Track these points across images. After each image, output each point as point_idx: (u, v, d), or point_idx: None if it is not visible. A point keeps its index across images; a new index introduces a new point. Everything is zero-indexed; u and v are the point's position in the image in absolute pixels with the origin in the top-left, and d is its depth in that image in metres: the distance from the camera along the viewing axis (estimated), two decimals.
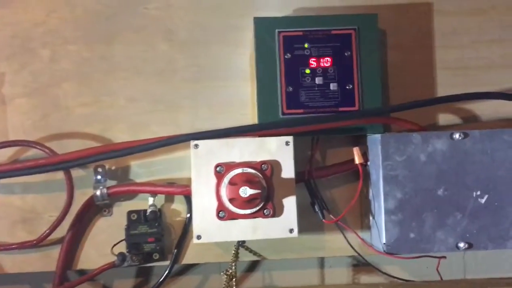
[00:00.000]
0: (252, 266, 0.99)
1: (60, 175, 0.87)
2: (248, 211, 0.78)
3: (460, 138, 0.80)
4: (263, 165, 0.79)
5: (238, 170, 0.78)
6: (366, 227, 0.89)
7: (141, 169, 0.90)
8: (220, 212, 0.78)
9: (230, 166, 0.79)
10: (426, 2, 0.94)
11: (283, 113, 0.86)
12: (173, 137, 0.82)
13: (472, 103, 0.93)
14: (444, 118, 0.93)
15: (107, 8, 0.91)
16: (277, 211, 0.79)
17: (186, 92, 0.91)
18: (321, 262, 1.00)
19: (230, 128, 0.83)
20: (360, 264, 1.00)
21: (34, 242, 0.85)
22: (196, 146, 0.80)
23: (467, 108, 0.94)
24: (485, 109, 0.93)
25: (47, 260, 0.88)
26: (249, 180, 0.76)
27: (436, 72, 0.94)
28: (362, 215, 0.91)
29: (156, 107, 0.91)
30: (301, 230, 0.80)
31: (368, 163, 0.86)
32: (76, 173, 0.88)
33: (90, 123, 0.90)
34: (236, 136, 0.82)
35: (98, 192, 0.85)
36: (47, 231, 0.85)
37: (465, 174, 0.80)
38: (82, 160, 0.83)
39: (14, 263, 0.88)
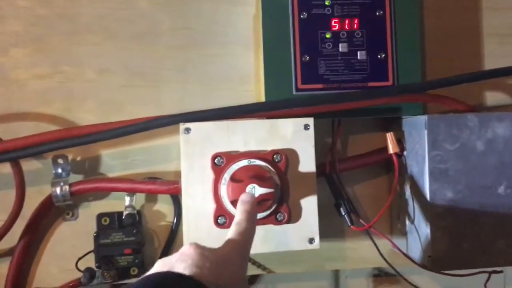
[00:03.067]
0: (253, 278, 0.80)
1: (6, 168, 0.67)
2: None
3: None
4: (275, 156, 0.60)
5: (243, 162, 0.59)
6: (399, 232, 0.71)
7: (115, 160, 0.70)
8: (220, 218, 0.60)
9: (233, 157, 0.60)
10: None
11: (298, 89, 0.67)
12: (155, 119, 0.63)
13: None
14: (493, 96, 0.76)
15: None
16: (293, 216, 0.61)
17: (172, 62, 0.71)
18: (336, 272, 0.82)
19: (231, 107, 0.64)
20: (382, 274, 0.82)
21: None
22: (187, 130, 0.60)
23: None
24: None
25: None
26: (258, 176, 0.57)
27: (483, 40, 0.76)
28: (393, 218, 0.73)
29: (133, 81, 0.71)
30: (320, 236, 0.62)
31: (405, 152, 0.68)
32: (28, 165, 0.68)
33: (47, 101, 0.70)
34: (239, 117, 0.63)
35: (58, 190, 0.65)
36: None
37: None
38: (35, 148, 0.64)
39: None
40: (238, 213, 0.52)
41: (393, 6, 0.68)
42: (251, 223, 0.50)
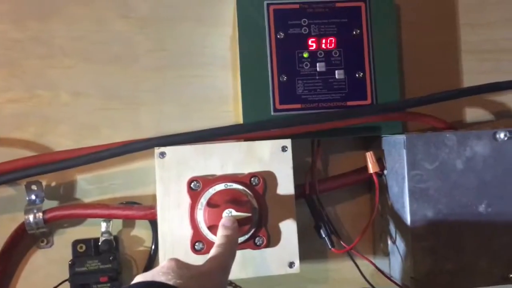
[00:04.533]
0: None
1: None
2: None
3: (506, 138, 0.62)
4: (252, 179, 0.59)
5: (220, 186, 0.58)
6: (382, 253, 0.70)
7: (91, 185, 0.69)
8: (197, 244, 0.58)
9: (209, 181, 0.59)
10: None
11: (276, 110, 0.66)
12: (130, 144, 0.61)
13: (505, 93, 0.75)
14: (472, 113, 0.76)
15: None
16: (272, 240, 0.60)
17: (149, 85, 0.70)
18: None
19: (207, 129, 0.63)
20: None
21: None
22: (163, 154, 0.59)
23: (499, 101, 0.76)
24: None
25: None
26: (235, 200, 0.56)
27: (461, 56, 0.76)
28: (375, 238, 0.72)
29: (109, 104, 0.70)
30: (300, 258, 0.61)
31: (385, 171, 0.67)
32: (1, 191, 0.67)
33: (21, 126, 0.68)
34: (215, 140, 0.62)
35: (31, 217, 0.63)
36: None
37: None
38: (8, 175, 0.62)
39: None
40: (219, 237, 0.51)
41: (370, 25, 0.68)
42: (232, 246, 0.51)
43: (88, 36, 0.70)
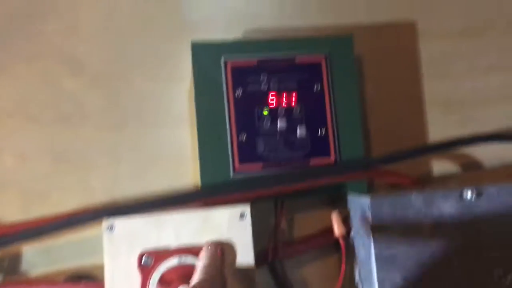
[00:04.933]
0: None
1: None
2: None
3: (472, 197, 0.60)
4: None
5: (173, 262, 0.54)
6: None
7: (38, 256, 0.63)
8: None
9: (162, 255, 0.54)
10: (409, 22, 0.74)
11: (235, 170, 0.63)
12: (76, 216, 0.57)
13: (471, 146, 0.74)
14: (439, 166, 0.73)
15: None
16: None
17: (101, 145, 0.67)
18: None
19: (160, 198, 0.59)
20: None
21: None
22: (111, 228, 0.55)
23: (465, 153, 0.74)
24: (487, 153, 0.74)
25: None
26: (190, 276, 0.52)
27: (426, 109, 0.74)
28: None
29: (59, 167, 0.65)
30: None
31: (352, 233, 0.64)
32: None
33: None
34: (168, 209, 0.58)
35: None
36: None
37: (482, 246, 0.59)
38: None
39: None
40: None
41: (331, 80, 0.66)
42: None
43: (36, 96, 0.66)
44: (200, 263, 0.49)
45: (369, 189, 0.67)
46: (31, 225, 0.57)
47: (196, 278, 0.47)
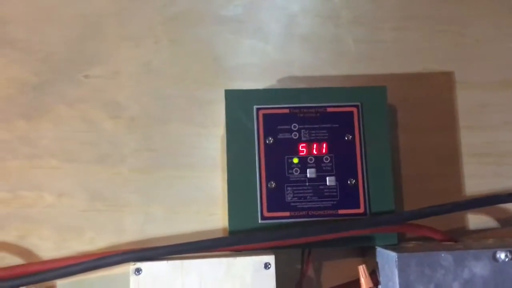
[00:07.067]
0: None
1: None
2: None
3: (507, 259, 0.58)
4: None
5: None
6: None
7: None
8: None
9: None
10: (446, 71, 0.74)
11: (263, 217, 0.63)
12: (105, 257, 0.59)
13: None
14: (475, 220, 0.71)
15: (34, 75, 0.70)
16: None
17: (135, 185, 0.69)
18: None
19: (182, 244, 0.59)
20: None
21: None
22: (138, 271, 0.56)
23: (503, 208, 0.72)
24: None
25: None
26: None
27: (462, 160, 0.72)
28: None
29: (94, 206, 0.68)
30: None
31: (379, 287, 0.63)
32: None
33: (3, 228, 0.67)
34: (194, 253, 0.59)
35: None
36: None
37: None
38: None
39: None
40: None
41: (362, 130, 0.66)
42: None
43: (76, 137, 0.69)
44: None
45: (400, 240, 0.66)
46: (63, 263, 0.59)
47: None
